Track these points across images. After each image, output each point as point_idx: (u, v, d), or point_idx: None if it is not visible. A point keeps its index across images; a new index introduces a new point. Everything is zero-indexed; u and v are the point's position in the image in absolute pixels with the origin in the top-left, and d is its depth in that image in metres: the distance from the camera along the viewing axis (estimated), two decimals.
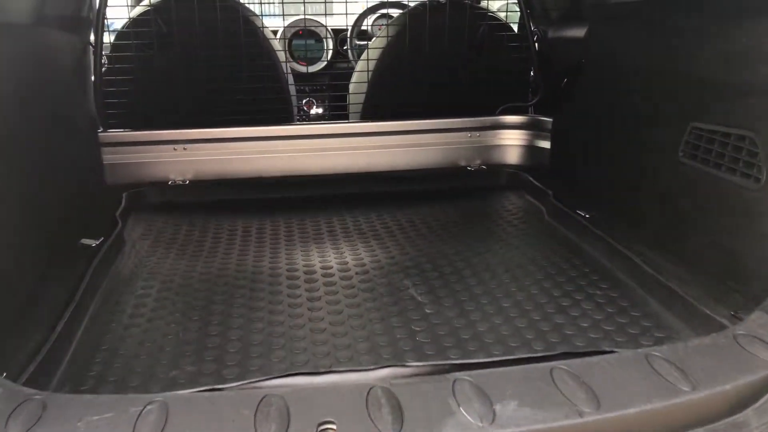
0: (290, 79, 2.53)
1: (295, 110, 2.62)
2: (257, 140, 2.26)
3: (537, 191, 2.19)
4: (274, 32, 3.47)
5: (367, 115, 2.45)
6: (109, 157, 2.19)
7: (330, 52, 3.61)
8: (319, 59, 3.61)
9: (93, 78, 2.15)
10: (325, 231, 1.94)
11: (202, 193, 2.22)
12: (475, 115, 2.38)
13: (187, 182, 2.22)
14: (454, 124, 2.36)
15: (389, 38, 2.37)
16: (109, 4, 2.12)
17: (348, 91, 2.61)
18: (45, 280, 1.38)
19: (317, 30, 3.55)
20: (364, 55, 2.48)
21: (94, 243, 1.62)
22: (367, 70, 2.38)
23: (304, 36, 3.57)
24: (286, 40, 3.51)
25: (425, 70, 2.36)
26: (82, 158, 2.06)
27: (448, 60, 2.36)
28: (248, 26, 2.28)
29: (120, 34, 2.23)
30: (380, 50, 2.40)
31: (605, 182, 1.86)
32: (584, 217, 1.79)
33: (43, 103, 1.62)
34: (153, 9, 2.19)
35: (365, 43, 3.55)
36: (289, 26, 3.47)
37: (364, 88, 2.42)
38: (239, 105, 2.26)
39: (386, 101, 2.39)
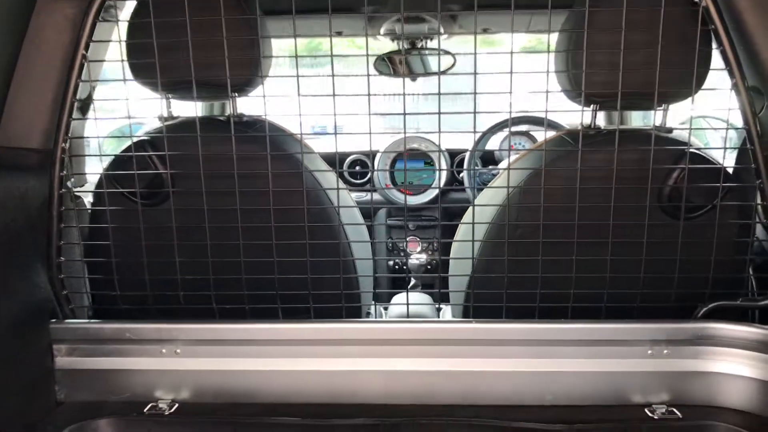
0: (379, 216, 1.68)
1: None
2: (294, 344, 1.40)
3: None
4: (369, 156, 2.72)
5: (473, 310, 1.45)
6: (64, 360, 1.42)
7: (443, 179, 2.78)
8: (429, 187, 2.79)
9: (51, 240, 1.42)
10: None
11: (196, 431, 1.37)
12: (658, 318, 1.37)
13: (175, 407, 1.39)
14: (623, 333, 1.36)
15: (511, 190, 1.43)
16: (85, 134, 1.40)
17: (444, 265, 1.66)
18: None
19: (427, 151, 2.75)
20: (467, 215, 1.57)
21: None
22: (472, 240, 1.44)
23: (410, 157, 2.78)
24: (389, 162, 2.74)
25: (570, 235, 1.38)
26: (20, 362, 1.32)
27: (615, 223, 1.38)
28: (287, 164, 1.46)
29: (101, 180, 1.49)
30: (496, 207, 1.47)
31: None
32: None
33: None
34: (140, 141, 1.44)
35: (487, 171, 2.68)
36: (390, 148, 2.70)
37: (467, 266, 1.48)
38: (266, 286, 1.42)
39: (501, 286, 1.42)
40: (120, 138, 1.62)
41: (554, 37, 2.32)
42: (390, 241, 2.74)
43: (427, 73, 2.35)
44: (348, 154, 2.85)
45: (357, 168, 2.84)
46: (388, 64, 2.29)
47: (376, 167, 2.74)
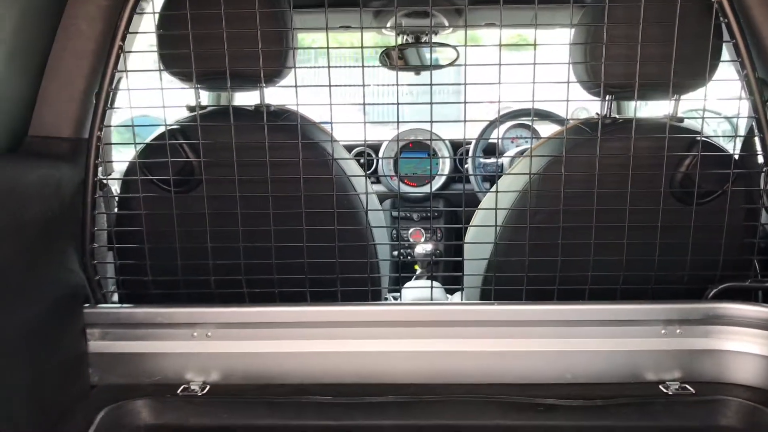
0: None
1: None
2: (322, 326, 1.45)
3: None
4: (374, 149, 2.76)
5: (490, 292, 1.51)
6: (97, 344, 1.45)
7: (446, 169, 2.84)
8: (432, 178, 2.84)
9: (85, 227, 1.45)
10: None
11: (226, 413, 1.41)
12: (671, 299, 1.44)
13: (207, 389, 1.43)
14: (638, 314, 1.43)
15: (532, 176, 1.49)
16: (113, 122, 1.43)
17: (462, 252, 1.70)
18: None
19: (430, 142, 2.80)
20: (486, 200, 1.63)
21: None
22: (495, 225, 1.51)
23: (414, 149, 2.83)
24: (393, 157, 2.79)
25: (587, 221, 1.45)
26: (56, 346, 1.34)
27: (630, 209, 1.44)
28: (313, 153, 1.50)
29: (131, 168, 1.52)
30: (513, 194, 1.52)
31: None
32: None
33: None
34: (174, 130, 1.48)
35: (494, 161, 2.74)
36: (395, 139, 2.75)
37: (486, 251, 1.54)
38: (293, 271, 1.47)
39: (521, 269, 1.48)
40: (143, 127, 1.64)
41: (547, 32, 2.35)
42: (394, 227, 2.79)
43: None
44: (353, 146, 2.91)
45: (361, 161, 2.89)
46: (386, 59, 2.35)
47: (381, 156, 2.80)
